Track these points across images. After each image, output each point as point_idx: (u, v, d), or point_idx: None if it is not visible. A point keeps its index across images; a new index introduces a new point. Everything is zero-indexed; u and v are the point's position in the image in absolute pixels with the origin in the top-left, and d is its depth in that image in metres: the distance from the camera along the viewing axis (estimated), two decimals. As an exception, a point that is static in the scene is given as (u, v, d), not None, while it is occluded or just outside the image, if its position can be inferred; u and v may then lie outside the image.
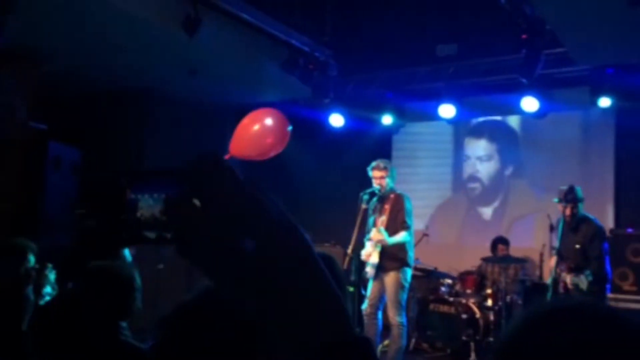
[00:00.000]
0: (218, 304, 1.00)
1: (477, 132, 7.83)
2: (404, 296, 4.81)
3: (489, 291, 6.27)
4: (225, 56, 5.87)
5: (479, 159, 7.75)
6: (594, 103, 6.25)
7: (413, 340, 6.18)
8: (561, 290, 4.74)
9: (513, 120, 7.56)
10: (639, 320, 0.70)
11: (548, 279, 5.03)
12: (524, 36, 5.30)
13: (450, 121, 7.38)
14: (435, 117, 7.14)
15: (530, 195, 7.08)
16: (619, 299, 5.90)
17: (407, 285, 4.84)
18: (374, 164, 4.98)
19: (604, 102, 6.16)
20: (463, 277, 6.53)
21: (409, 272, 4.91)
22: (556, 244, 5.02)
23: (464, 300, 6.21)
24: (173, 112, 7.09)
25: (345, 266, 4.77)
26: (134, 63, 6.03)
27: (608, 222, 6.61)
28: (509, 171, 7.57)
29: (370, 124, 7.64)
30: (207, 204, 0.57)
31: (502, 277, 6.25)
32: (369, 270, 4.97)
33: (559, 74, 6.08)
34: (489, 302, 6.22)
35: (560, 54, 5.67)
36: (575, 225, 4.84)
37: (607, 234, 5.97)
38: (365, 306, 4.91)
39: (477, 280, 6.40)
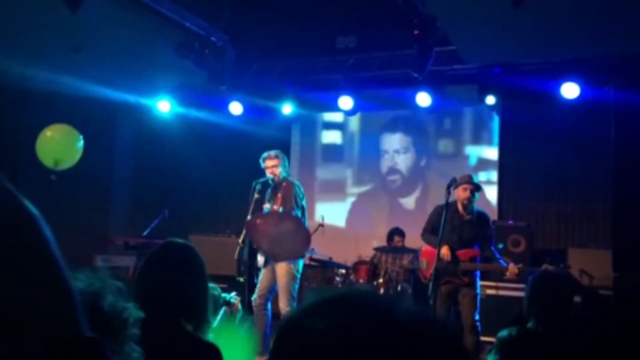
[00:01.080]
0: None
1: (392, 126, 7.98)
2: (296, 286, 4.79)
3: (380, 280, 6.31)
4: (114, 35, 5.65)
5: (396, 152, 7.91)
6: (481, 100, 6.52)
7: None
8: (464, 280, 4.75)
9: (421, 115, 7.73)
10: (412, 316, 0.70)
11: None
12: (416, 32, 5.43)
13: (349, 113, 7.46)
14: (335, 108, 7.22)
15: (442, 186, 7.30)
16: (500, 287, 6.16)
17: (298, 275, 4.84)
18: (265, 154, 4.99)
19: (490, 99, 6.44)
20: (357, 267, 6.52)
21: (301, 263, 4.92)
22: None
23: None
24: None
25: (235, 256, 4.83)
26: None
27: (491, 214, 6.71)
28: (423, 162, 7.76)
29: (270, 113, 7.64)
30: None
31: (394, 266, 6.40)
32: (260, 259, 4.95)
33: (450, 71, 6.23)
34: (381, 292, 6.20)
35: (451, 51, 5.85)
36: (472, 214, 4.88)
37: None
38: (255, 296, 4.89)
39: (370, 269, 6.42)
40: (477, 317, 4.72)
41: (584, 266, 5.98)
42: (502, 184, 7.25)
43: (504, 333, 2.50)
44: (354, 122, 8.16)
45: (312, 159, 8.36)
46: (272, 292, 4.89)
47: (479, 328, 4.71)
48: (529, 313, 2.50)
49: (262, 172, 5.08)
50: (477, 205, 5.11)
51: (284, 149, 7.49)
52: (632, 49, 5.38)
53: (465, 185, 4.77)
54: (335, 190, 8.20)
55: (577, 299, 2.44)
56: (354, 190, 8.21)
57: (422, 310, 0.73)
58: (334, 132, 8.34)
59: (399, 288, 6.28)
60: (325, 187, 8.22)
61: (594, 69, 5.75)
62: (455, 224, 4.73)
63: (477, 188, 4.84)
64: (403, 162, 7.90)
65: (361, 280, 6.38)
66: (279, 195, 4.88)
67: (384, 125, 8.04)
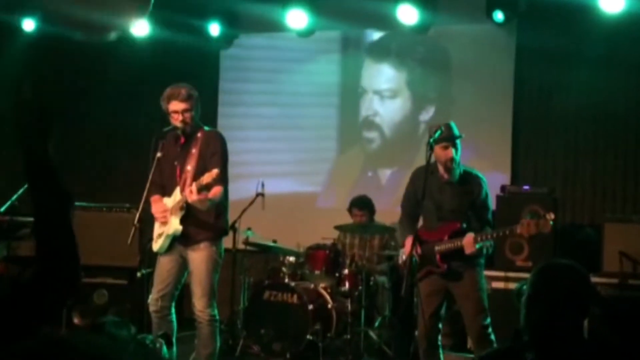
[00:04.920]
0: None
1: (377, 51, 7.68)
2: (217, 277, 4.72)
3: (345, 271, 6.24)
4: None
5: (377, 94, 7.64)
6: (489, 16, 6.60)
7: (240, 342, 6.07)
8: (441, 268, 4.71)
9: (407, 37, 7.49)
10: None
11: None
12: None
13: (302, 33, 7.42)
14: (281, 27, 7.27)
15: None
16: (510, 278, 6.02)
17: (221, 261, 4.77)
18: (169, 91, 4.67)
19: (500, 16, 6.60)
20: (312, 253, 6.43)
21: (222, 245, 4.83)
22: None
23: (311, 285, 6.18)
24: None
25: (129, 240, 4.55)
26: None
27: (502, 177, 6.80)
28: (426, 115, 7.48)
29: (189, 36, 7.54)
30: None
31: (364, 251, 6.27)
32: (156, 242, 4.74)
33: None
34: (346, 286, 6.20)
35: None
36: (457, 177, 4.80)
37: (499, 191, 6.23)
38: (152, 297, 4.77)
39: (329, 257, 6.30)
40: (486, 321, 4.69)
41: (625, 247, 5.94)
42: (516, 135, 7.11)
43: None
44: (311, 45, 7.81)
45: (247, 99, 8.08)
46: (178, 290, 4.78)
47: (492, 336, 4.69)
48: (525, 332, 2.43)
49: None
50: (480, 165, 5.08)
51: (209, 86, 7.54)
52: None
53: (445, 144, 4.63)
54: (282, 145, 7.97)
55: (594, 311, 2.43)
56: (311, 145, 7.92)
57: None
58: (280, 61, 8.02)
59: (371, 281, 6.20)
60: (266, 140, 8.01)
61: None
62: (434, 188, 4.71)
63: (453, 142, 4.69)
64: (387, 112, 7.61)
65: (318, 272, 6.29)
66: (193, 151, 4.68)
67: (368, 49, 7.75)
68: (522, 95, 7.16)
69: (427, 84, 7.51)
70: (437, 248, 4.68)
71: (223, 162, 4.65)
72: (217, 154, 4.64)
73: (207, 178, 4.38)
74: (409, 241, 4.66)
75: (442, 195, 4.75)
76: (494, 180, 6.23)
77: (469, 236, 4.55)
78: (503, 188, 6.33)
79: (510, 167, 7.09)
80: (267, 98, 7.97)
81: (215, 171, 4.34)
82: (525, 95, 7.17)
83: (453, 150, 4.63)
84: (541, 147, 7.12)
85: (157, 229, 4.76)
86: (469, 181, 4.77)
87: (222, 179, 4.57)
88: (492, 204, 4.98)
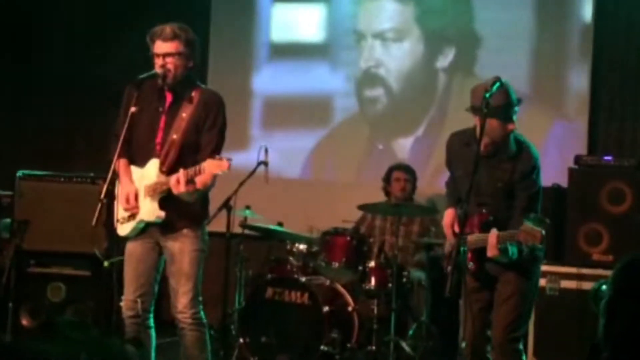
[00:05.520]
0: None
1: None
2: (201, 270, 4.66)
3: (371, 264, 5.98)
4: None
5: (379, 36, 7.26)
6: None
7: (235, 353, 6.00)
8: (471, 267, 4.64)
9: None
10: None
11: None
12: None
13: None
14: None
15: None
16: (585, 275, 5.82)
17: (207, 250, 4.73)
18: (157, 29, 4.49)
19: None
20: (329, 239, 6.15)
21: (206, 230, 4.77)
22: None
23: (326, 282, 6.01)
24: None
25: (93, 220, 4.27)
26: None
27: (575, 144, 6.47)
28: (444, 61, 7.06)
29: None
30: None
31: (399, 238, 5.94)
32: (123, 227, 4.60)
33: None
34: (372, 284, 5.96)
35: None
36: (503, 152, 4.56)
37: (572, 163, 6.01)
38: (125, 300, 4.68)
39: (351, 245, 6.06)
40: (516, 333, 4.57)
41: None
42: (596, 90, 6.70)
43: None
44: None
45: (247, 51, 7.71)
46: (157, 285, 4.74)
47: (522, 356, 4.57)
48: (605, 346, 2.42)
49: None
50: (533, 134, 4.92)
51: (200, 30, 7.07)
52: None
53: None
54: (288, 109, 7.68)
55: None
56: (321, 105, 7.59)
57: None
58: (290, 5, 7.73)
59: (404, 278, 5.97)
60: (271, 102, 7.74)
61: None
62: (472, 165, 4.49)
63: (510, 106, 4.47)
64: (392, 61, 7.16)
65: (336, 264, 6.10)
66: (183, 115, 4.51)
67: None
68: (605, 32, 6.68)
69: (443, 16, 7.05)
70: (469, 242, 4.56)
71: (221, 137, 4.55)
72: (216, 127, 4.47)
73: (207, 174, 4.27)
74: (448, 214, 4.63)
75: (480, 175, 4.51)
76: (564, 148, 6.21)
77: (493, 234, 4.41)
78: (577, 159, 6.05)
79: (587, 132, 6.74)
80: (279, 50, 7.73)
81: (225, 163, 4.18)
82: (609, 33, 6.71)
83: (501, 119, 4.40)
84: (630, 106, 6.73)
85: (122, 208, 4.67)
86: (513, 152, 4.58)
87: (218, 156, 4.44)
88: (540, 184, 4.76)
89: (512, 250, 4.29)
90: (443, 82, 7.03)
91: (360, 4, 7.33)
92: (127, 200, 4.49)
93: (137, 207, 4.54)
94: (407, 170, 6.47)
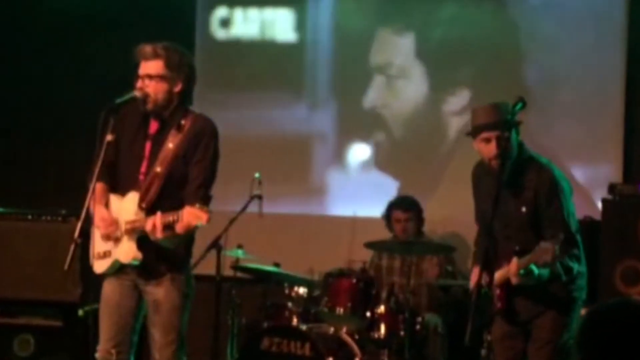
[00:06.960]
0: None
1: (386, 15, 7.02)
2: (187, 317, 4.56)
3: (380, 309, 5.79)
4: None
5: (382, 71, 6.97)
6: None
7: None
8: (498, 305, 4.61)
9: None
10: None
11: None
12: None
13: None
14: None
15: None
16: None
17: (192, 295, 4.65)
18: (140, 47, 4.38)
19: None
20: (332, 282, 5.97)
21: (191, 272, 4.69)
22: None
23: (330, 330, 5.81)
24: None
25: (66, 264, 4.18)
26: None
27: (609, 171, 6.28)
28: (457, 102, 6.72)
29: None
30: None
31: (410, 279, 5.84)
32: (102, 262, 4.43)
33: None
34: (381, 332, 5.75)
35: None
36: (512, 174, 4.56)
37: (607, 194, 5.83)
38: (102, 350, 4.51)
39: (357, 288, 5.89)
40: None
41: None
42: (631, 111, 6.43)
43: None
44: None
45: (235, 74, 7.38)
46: (136, 333, 4.59)
47: None
48: None
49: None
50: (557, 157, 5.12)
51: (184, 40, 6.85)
52: None
53: (485, 134, 4.47)
54: (286, 135, 7.32)
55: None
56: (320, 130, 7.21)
57: None
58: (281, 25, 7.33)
59: (417, 325, 5.75)
60: (266, 128, 7.35)
61: None
62: (491, 191, 4.59)
63: (507, 127, 4.50)
64: (395, 102, 6.86)
65: (341, 311, 5.91)
66: (169, 145, 4.35)
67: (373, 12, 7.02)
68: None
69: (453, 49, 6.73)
70: (496, 279, 4.54)
71: (212, 171, 4.38)
72: (206, 160, 4.30)
73: (184, 223, 4.09)
74: (475, 269, 4.53)
75: (502, 203, 4.52)
76: (596, 175, 6.14)
77: (513, 262, 4.36)
78: (612, 188, 5.84)
79: (622, 157, 6.48)
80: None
81: (204, 215, 4.03)
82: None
83: (498, 143, 4.45)
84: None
85: (100, 241, 4.39)
86: (526, 173, 4.58)
87: (207, 195, 4.40)
88: (571, 208, 4.68)
89: (540, 272, 4.20)
90: (455, 131, 6.79)
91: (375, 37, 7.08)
92: (104, 220, 4.26)
93: (118, 229, 4.33)
94: (408, 208, 6.25)
